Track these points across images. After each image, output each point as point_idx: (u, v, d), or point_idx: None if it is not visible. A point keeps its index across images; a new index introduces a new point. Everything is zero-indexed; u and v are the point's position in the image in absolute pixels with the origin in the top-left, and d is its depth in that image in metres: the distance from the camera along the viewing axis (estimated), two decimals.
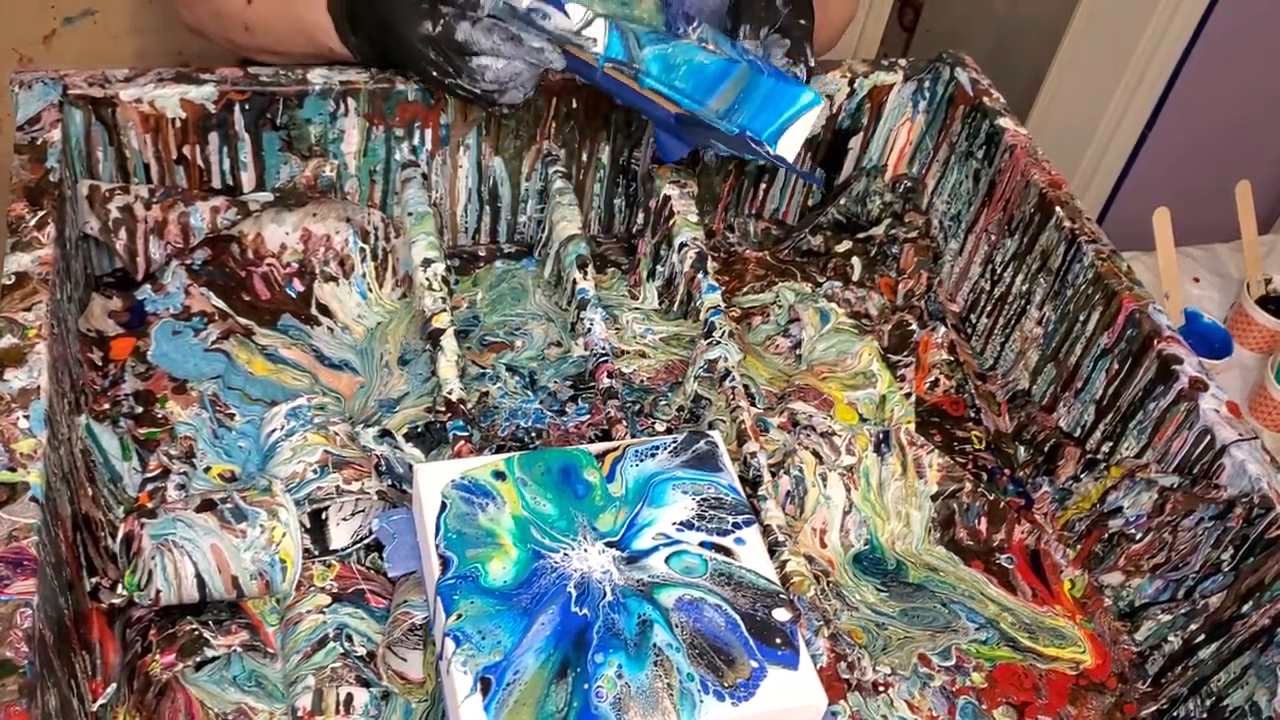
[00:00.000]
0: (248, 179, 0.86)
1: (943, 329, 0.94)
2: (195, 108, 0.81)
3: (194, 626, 0.66)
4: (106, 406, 0.77)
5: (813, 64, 0.83)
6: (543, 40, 0.74)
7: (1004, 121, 0.94)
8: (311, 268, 0.86)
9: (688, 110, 0.77)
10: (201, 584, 0.65)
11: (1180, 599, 0.77)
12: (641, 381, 0.88)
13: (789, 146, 0.78)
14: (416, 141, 0.88)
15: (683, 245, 0.90)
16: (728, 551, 0.69)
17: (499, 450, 0.80)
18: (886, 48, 2.00)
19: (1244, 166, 1.72)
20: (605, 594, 0.65)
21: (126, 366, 0.79)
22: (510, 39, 0.74)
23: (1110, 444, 0.84)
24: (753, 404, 0.86)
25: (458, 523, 0.67)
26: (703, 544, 0.69)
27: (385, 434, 0.77)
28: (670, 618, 0.64)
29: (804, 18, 0.83)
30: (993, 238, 0.95)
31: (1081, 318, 0.86)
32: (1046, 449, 0.87)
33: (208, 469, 0.75)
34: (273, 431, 0.74)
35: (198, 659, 0.65)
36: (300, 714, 0.64)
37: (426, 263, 0.84)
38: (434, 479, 0.69)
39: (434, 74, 0.77)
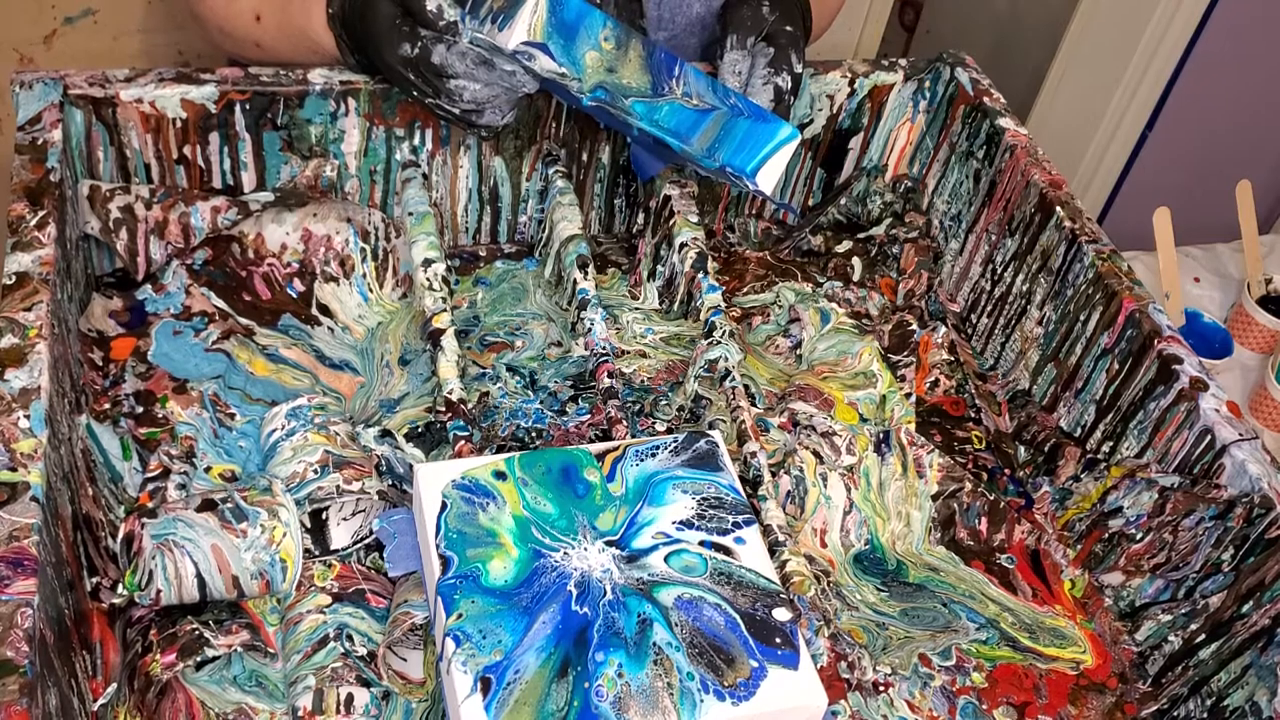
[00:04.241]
0: (248, 179, 0.86)
1: (943, 329, 0.94)
2: (196, 108, 0.81)
3: (194, 626, 0.66)
4: (107, 406, 0.77)
5: (798, 70, 0.83)
6: (515, 65, 0.76)
7: (1004, 121, 0.94)
8: (312, 268, 0.86)
9: (674, 148, 0.79)
10: (202, 584, 0.65)
11: (1180, 599, 0.77)
12: (642, 381, 0.88)
13: (768, 179, 0.80)
14: (417, 141, 0.88)
15: (683, 245, 0.90)
16: (728, 551, 0.69)
17: (499, 450, 0.80)
18: (887, 48, 2.00)
19: (1244, 166, 1.72)
20: (606, 593, 0.65)
21: (127, 366, 0.79)
22: (483, 64, 0.76)
23: (1110, 444, 0.84)
24: (753, 404, 0.86)
25: (458, 522, 0.67)
26: (703, 543, 0.69)
27: (386, 434, 0.77)
28: (670, 616, 0.64)
29: (791, 24, 0.84)
30: (993, 238, 0.95)
31: (1082, 318, 0.86)
32: (1047, 449, 0.87)
33: (208, 469, 0.75)
34: (273, 431, 0.74)
35: (198, 659, 0.65)
36: (301, 714, 0.64)
37: (427, 263, 0.84)
38: (434, 479, 0.69)
39: (414, 94, 0.79)
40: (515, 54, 0.73)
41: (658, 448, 0.73)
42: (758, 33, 0.83)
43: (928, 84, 0.99)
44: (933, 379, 0.92)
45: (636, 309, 0.93)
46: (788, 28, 0.83)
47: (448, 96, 0.78)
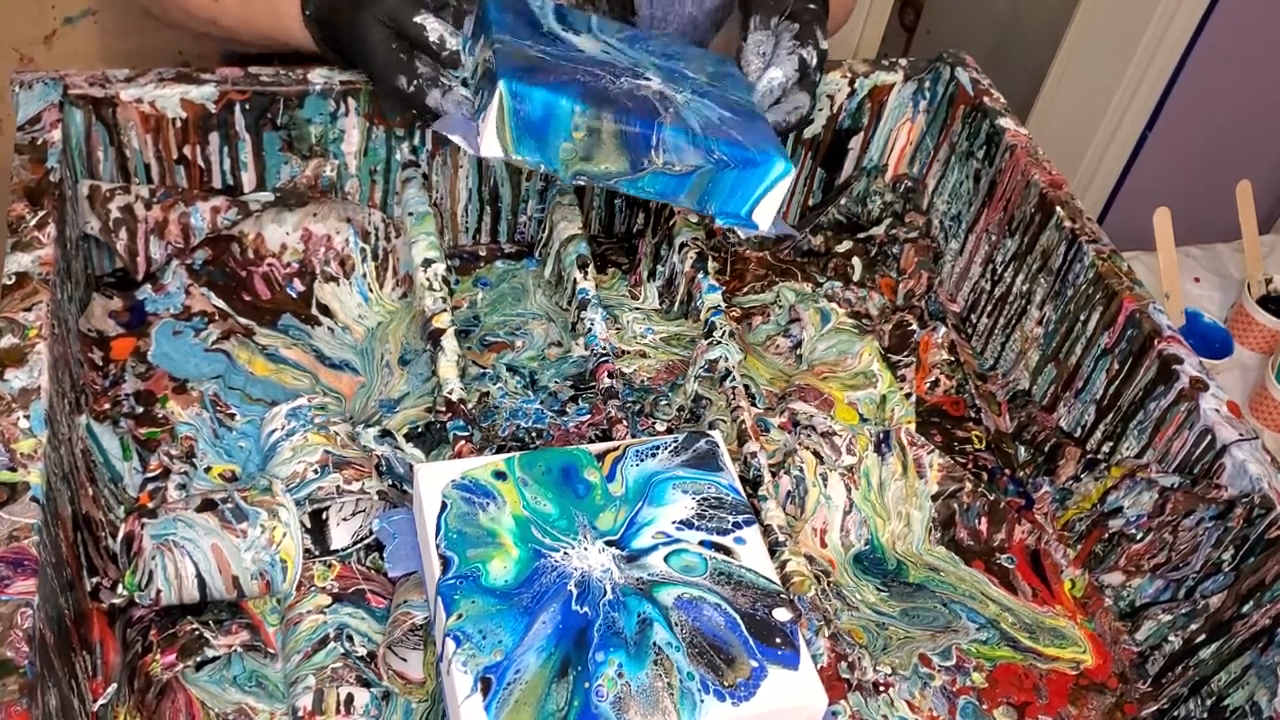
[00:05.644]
0: (248, 179, 0.86)
1: (943, 329, 0.94)
2: (196, 108, 0.81)
3: (194, 626, 0.66)
4: (107, 406, 0.77)
5: (824, 47, 0.83)
6: None
7: (1004, 121, 0.94)
8: (312, 268, 0.86)
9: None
10: (202, 584, 0.65)
11: (1181, 599, 0.77)
12: (642, 381, 0.88)
13: (764, 216, 0.79)
14: (417, 141, 0.88)
15: (683, 245, 0.90)
16: (728, 551, 0.69)
17: (499, 450, 0.80)
18: (887, 48, 2.00)
19: (1244, 166, 1.72)
20: (606, 592, 0.65)
21: (127, 366, 0.79)
22: (476, 113, 0.75)
23: (1111, 444, 0.84)
24: (753, 404, 0.86)
25: (458, 522, 0.67)
26: (703, 543, 0.69)
27: (386, 434, 0.77)
28: (670, 616, 0.64)
29: (814, 2, 0.83)
30: (993, 238, 0.95)
31: (1082, 318, 0.86)
32: (1047, 449, 0.87)
33: (208, 469, 0.75)
34: (273, 431, 0.74)
35: (198, 659, 0.65)
36: (301, 714, 0.64)
37: (427, 263, 0.84)
38: (434, 479, 0.69)
39: (413, 117, 0.79)
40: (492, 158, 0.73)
41: (658, 448, 0.73)
42: (781, 11, 0.83)
43: (928, 84, 0.99)
44: (933, 379, 0.92)
45: (636, 309, 0.93)
46: (811, 5, 0.83)
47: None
